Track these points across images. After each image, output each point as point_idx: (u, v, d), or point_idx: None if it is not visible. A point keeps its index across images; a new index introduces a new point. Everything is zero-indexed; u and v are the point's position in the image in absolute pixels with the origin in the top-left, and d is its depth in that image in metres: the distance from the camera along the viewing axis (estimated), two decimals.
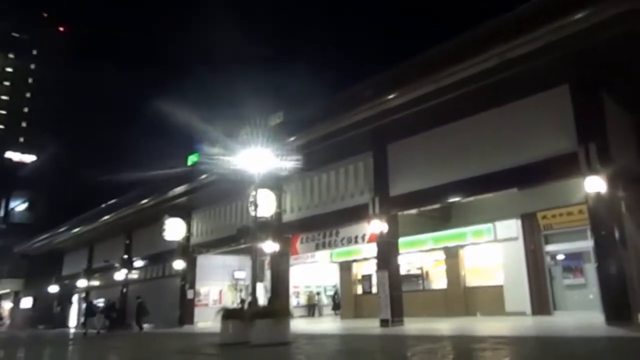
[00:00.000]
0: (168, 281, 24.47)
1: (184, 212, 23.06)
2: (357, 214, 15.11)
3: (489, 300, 14.94)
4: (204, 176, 19.34)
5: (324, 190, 16.60)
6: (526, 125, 11.70)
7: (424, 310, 16.05)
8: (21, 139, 71.39)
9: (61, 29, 77.04)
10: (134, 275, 27.84)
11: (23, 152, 63.88)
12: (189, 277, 22.74)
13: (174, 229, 22.80)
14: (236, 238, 16.29)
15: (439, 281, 16.75)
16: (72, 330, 30.13)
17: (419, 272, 17.37)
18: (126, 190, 26.87)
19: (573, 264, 13.53)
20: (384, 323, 13.46)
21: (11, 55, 73.92)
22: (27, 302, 40.62)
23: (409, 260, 17.30)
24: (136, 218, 25.84)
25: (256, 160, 14.34)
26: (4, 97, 73.63)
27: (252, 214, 17.09)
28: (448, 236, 16.08)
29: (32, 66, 75.43)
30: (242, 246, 19.64)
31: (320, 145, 15.07)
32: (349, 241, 16.08)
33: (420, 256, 17.29)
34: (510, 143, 11.91)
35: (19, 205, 46.21)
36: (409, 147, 14.25)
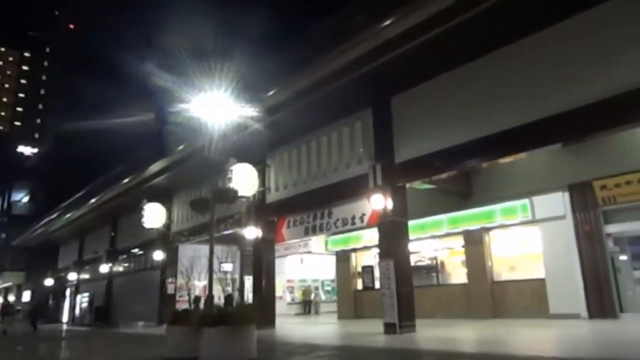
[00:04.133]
0: (149, 274, 20.82)
1: (165, 196, 19.36)
2: (354, 188, 11.14)
3: (526, 298, 10.80)
4: (180, 147, 15.66)
5: (313, 162, 12.66)
6: (579, 50, 7.63)
7: (440, 311, 12.01)
8: (36, 135, 69.27)
9: (71, 26, 74.43)
10: (119, 267, 24.56)
11: (34, 147, 61.61)
12: (169, 269, 18.97)
13: (153, 215, 19.02)
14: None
15: (457, 274, 12.63)
16: (64, 327, 26.83)
17: (431, 262, 13.28)
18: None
19: None
20: (389, 328, 9.53)
21: (27, 54, 71.65)
22: (27, 296, 37.80)
23: (418, 249, 13.26)
24: (119, 204, 22.32)
25: (226, 121, 10.76)
26: (21, 95, 71.47)
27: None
28: (469, 216, 11.93)
29: (46, 63, 73.30)
30: (225, 232, 16.03)
31: (306, 99, 11.12)
32: (344, 223, 12.08)
33: (433, 243, 13.20)
34: (556, 79, 7.87)
35: (21, 198, 43.62)
36: (419, 98, 10.22)
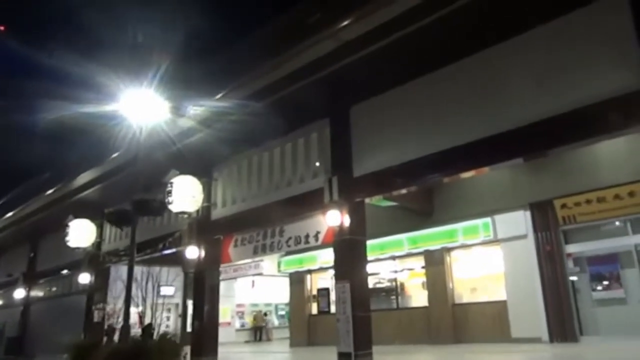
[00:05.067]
0: (75, 300, 19.26)
1: (95, 212, 18.00)
2: (309, 203, 10.74)
3: (487, 322, 10.80)
4: (114, 155, 14.63)
5: (265, 175, 12.15)
6: (542, 62, 7.77)
7: (399, 336, 11.77)
8: None
9: (1, 28, 69.60)
10: (39, 292, 22.64)
11: None
12: (98, 294, 17.55)
13: (80, 233, 17.58)
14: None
15: (418, 297, 12.50)
16: None
17: (391, 285, 13.10)
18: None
19: (606, 270, 9.64)
20: (343, 358, 9.12)
21: None
22: None
23: (377, 270, 13.07)
24: (41, 219, 20.58)
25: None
26: None
27: (171, 208, 12.99)
28: (430, 236, 11.87)
29: None
30: (166, 252, 15.15)
31: (257, 105, 10.69)
32: (297, 242, 11.64)
33: (393, 264, 13.05)
34: (519, 91, 7.90)
35: None
36: (380, 109, 10.04)
